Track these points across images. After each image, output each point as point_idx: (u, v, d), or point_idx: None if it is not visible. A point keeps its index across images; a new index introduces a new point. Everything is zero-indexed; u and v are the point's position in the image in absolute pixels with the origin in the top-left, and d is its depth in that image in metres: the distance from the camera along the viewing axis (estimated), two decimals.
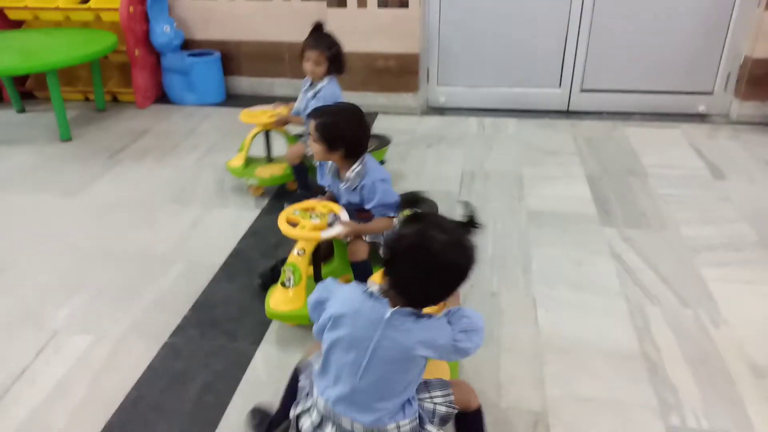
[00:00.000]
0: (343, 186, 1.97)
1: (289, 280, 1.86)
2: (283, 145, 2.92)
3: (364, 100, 3.88)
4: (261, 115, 2.77)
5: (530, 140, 3.45)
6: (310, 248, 1.86)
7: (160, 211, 2.76)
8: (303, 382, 1.36)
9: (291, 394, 1.39)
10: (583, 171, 3.06)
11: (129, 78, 4.03)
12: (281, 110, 2.80)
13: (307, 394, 1.32)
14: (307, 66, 2.56)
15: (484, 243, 2.43)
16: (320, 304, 1.29)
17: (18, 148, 3.43)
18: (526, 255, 2.37)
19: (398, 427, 1.22)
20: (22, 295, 2.17)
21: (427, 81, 3.94)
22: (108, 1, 3.80)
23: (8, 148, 3.42)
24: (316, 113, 1.94)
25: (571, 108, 3.88)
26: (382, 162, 2.90)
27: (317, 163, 2.39)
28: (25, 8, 3.89)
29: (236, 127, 3.66)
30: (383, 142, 2.99)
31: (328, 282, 1.35)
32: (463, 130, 3.62)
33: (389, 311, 1.18)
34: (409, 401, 1.25)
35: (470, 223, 1.21)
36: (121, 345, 1.94)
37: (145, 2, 3.88)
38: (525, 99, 3.89)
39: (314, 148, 1.93)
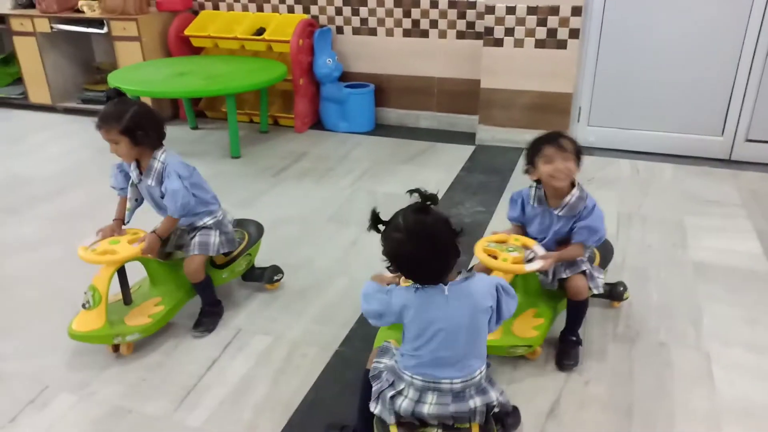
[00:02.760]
0: (557, 211, 1.94)
1: None
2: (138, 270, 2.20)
3: (509, 135, 3.94)
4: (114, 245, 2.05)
5: (689, 188, 3.31)
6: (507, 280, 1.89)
7: (320, 228, 2.95)
8: (379, 384, 1.48)
9: (367, 397, 1.51)
10: (752, 225, 2.88)
11: (290, 104, 4.37)
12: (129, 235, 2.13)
13: (392, 383, 1.45)
14: (113, 150, 2.09)
15: (647, 290, 2.36)
16: (385, 305, 1.44)
17: (194, 161, 3.75)
18: (696, 308, 2.26)
19: (480, 373, 1.44)
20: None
21: (578, 120, 3.91)
22: (280, 34, 4.16)
23: (186, 160, 3.79)
24: (548, 135, 1.92)
25: (734, 157, 3.68)
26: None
27: (512, 196, 2.14)
28: (207, 37, 4.36)
29: (386, 156, 3.86)
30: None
31: (374, 288, 1.50)
32: (615, 171, 3.55)
33: (445, 288, 1.38)
34: (485, 348, 1.46)
35: (429, 199, 1.42)
36: (296, 349, 2.09)
37: (312, 37, 4.21)
38: (683, 144, 3.74)
39: (563, 165, 1.86)
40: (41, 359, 2.05)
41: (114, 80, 3.75)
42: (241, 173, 3.62)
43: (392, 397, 1.44)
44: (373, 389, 1.48)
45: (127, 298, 2.15)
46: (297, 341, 2.13)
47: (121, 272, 2.10)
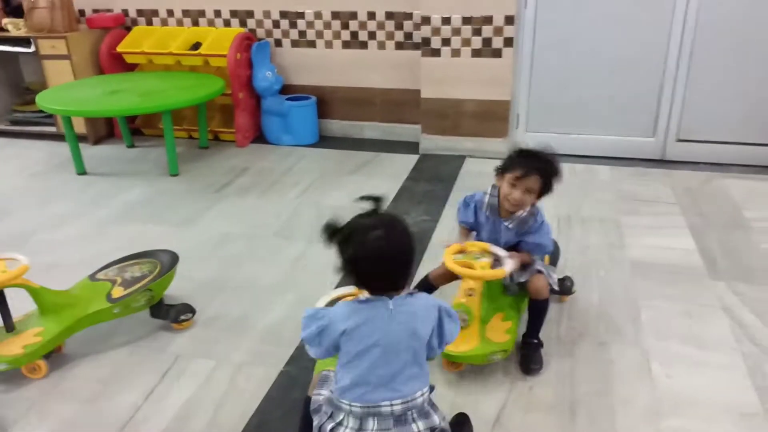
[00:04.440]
0: (508, 223, 1.99)
1: (464, 321, 1.91)
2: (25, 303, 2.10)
3: (451, 144, 3.99)
4: None
5: (625, 188, 3.42)
6: (479, 289, 1.89)
7: (266, 243, 2.89)
8: (318, 417, 1.43)
9: (307, 429, 1.49)
10: (685, 222, 3.00)
11: (230, 118, 4.29)
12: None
13: (330, 415, 1.40)
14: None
15: (588, 290, 2.42)
16: (323, 331, 1.39)
17: (132, 180, 3.69)
18: (634, 306, 2.33)
19: (422, 395, 1.39)
20: (141, 319, 2.30)
21: (516, 127, 3.99)
22: (217, 48, 4.09)
23: (123, 181, 3.69)
24: (535, 159, 1.96)
25: (666, 157, 3.82)
26: None
27: (462, 202, 2.17)
28: (141, 53, 4.24)
29: (331, 167, 3.84)
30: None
31: (313, 311, 1.44)
32: None
33: (390, 302, 1.36)
34: (427, 371, 1.42)
35: (377, 200, 1.42)
36: (240, 370, 2.03)
37: (250, 50, 4.16)
38: (617, 146, 3.87)
39: (524, 200, 1.93)
40: None
41: (43, 100, 3.59)
42: (182, 191, 3.53)
43: (332, 430, 1.38)
44: (314, 424, 1.44)
45: (8, 326, 2.06)
46: (241, 363, 2.07)
47: (1, 297, 2.02)
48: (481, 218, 2.07)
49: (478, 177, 3.24)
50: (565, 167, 3.61)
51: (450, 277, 2.05)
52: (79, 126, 4.11)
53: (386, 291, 1.38)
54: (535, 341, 2.03)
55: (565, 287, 2.34)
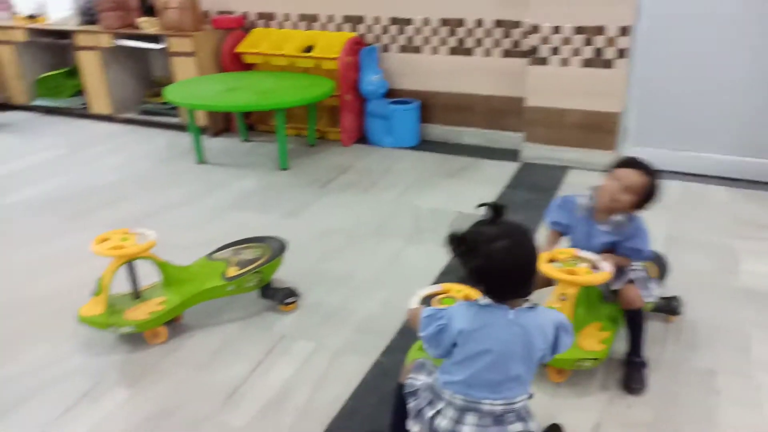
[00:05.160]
0: (603, 227, 1.98)
1: None
2: (154, 274, 2.31)
3: (553, 153, 3.93)
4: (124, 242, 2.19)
5: (742, 211, 3.22)
6: (574, 294, 1.89)
7: (364, 240, 3.00)
8: (416, 401, 1.47)
9: (401, 413, 1.53)
10: None
11: (337, 119, 4.46)
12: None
13: (430, 402, 1.43)
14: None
15: (696, 314, 2.32)
16: (442, 330, 1.40)
17: (245, 172, 3.94)
18: (745, 335, 2.21)
19: (522, 401, 1.40)
20: (251, 298, 2.47)
21: (625, 140, 3.87)
22: (328, 51, 4.27)
23: (237, 171, 3.95)
24: (641, 167, 1.96)
25: None
26: None
27: (555, 202, 2.17)
28: (258, 54, 4.51)
29: (429, 170, 3.90)
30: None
31: (433, 310, 1.46)
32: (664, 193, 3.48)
33: (510, 312, 1.35)
34: (529, 378, 1.43)
35: (497, 210, 1.39)
36: (338, 356, 2.14)
37: (359, 54, 4.31)
38: (737, 167, 3.64)
39: (620, 197, 1.91)
40: (97, 357, 2.16)
41: (170, 94, 3.92)
42: (289, 184, 3.72)
43: (432, 417, 1.42)
44: (411, 406, 1.48)
45: (136, 293, 2.28)
46: (338, 349, 2.18)
47: (131, 268, 2.24)
48: (573, 221, 2.05)
49: (581, 189, 3.18)
50: (678, 186, 3.54)
51: (543, 283, 2.04)
52: (201, 119, 4.44)
53: (508, 299, 1.38)
54: (638, 360, 1.98)
55: (672, 307, 2.26)
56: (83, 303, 2.22)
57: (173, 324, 2.29)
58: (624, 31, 3.56)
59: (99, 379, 2.04)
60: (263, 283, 2.39)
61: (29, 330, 2.32)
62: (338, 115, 4.43)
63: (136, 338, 2.22)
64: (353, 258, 2.83)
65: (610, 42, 3.60)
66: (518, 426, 1.39)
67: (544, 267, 1.88)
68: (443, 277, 2.61)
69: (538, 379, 1.96)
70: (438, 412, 1.42)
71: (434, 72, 4.38)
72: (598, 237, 1.99)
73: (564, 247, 2.03)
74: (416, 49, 4.37)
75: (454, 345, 1.40)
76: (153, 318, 2.18)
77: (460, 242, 1.37)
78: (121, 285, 2.24)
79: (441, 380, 1.43)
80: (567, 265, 1.91)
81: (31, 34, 5.00)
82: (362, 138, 4.53)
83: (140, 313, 2.19)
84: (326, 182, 3.74)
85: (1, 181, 3.80)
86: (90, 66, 4.85)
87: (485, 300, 1.39)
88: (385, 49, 4.46)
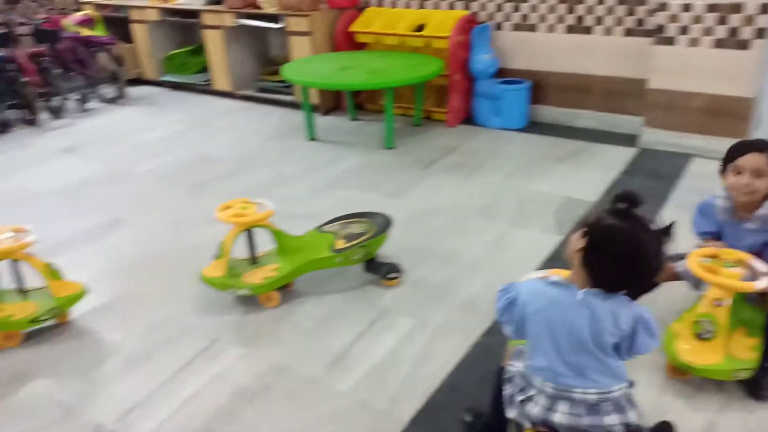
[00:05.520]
0: (749, 224, 1.86)
1: (708, 332, 1.79)
2: (269, 242, 2.47)
3: (676, 140, 3.68)
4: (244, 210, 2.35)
5: None
6: (729, 299, 1.79)
7: (467, 221, 2.99)
8: (511, 387, 1.45)
9: (500, 396, 1.51)
10: None
11: (443, 99, 4.45)
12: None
13: (522, 388, 1.41)
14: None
15: None
16: (511, 304, 1.40)
17: (352, 150, 4.05)
18: None
19: (620, 390, 1.35)
20: (356, 271, 2.55)
21: (758, 128, 3.55)
22: (439, 30, 4.25)
23: (345, 149, 4.06)
24: (754, 143, 1.85)
25: None
26: None
27: (696, 212, 2.04)
28: (371, 33, 4.58)
29: (539, 154, 3.80)
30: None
31: (506, 285, 1.46)
32: None
33: (580, 293, 1.32)
34: (620, 368, 1.37)
35: (666, 232, 1.30)
36: (439, 334, 2.17)
37: (471, 33, 4.25)
38: None
39: (755, 186, 1.79)
40: (215, 316, 2.34)
41: (287, 72, 4.09)
42: (395, 163, 3.78)
43: (522, 402, 1.42)
44: (507, 392, 1.48)
45: (253, 258, 2.44)
46: (439, 327, 2.21)
47: (249, 235, 2.38)
48: (719, 225, 1.93)
49: (706, 179, 2.94)
50: None
51: (666, 277, 1.93)
52: (313, 97, 4.59)
53: (613, 290, 1.33)
54: None
55: None
56: (205, 265, 2.41)
57: (285, 290, 2.42)
58: (766, 8, 3.24)
59: (218, 336, 2.22)
60: (368, 257, 2.47)
61: (158, 287, 2.55)
62: (445, 95, 4.42)
63: (251, 301, 2.38)
64: (456, 239, 2.83)
65: (748, 20, 3.30)
66: (615, 417, 1.34)
67: (691, 260, 1.78)
68: (549, 263, 2.56)
69: (647, 372, 1.89)
70: (529, 398, 1.41)
71: (549, 51, 4.23)
72: (746, 237, 1.86)
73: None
74: (531, 27, 4.24)
75: (523, 322, 1.39)
76: (267, 283, 2.32)
77: (588, 231, 1.32)
78: (239, 250, 2.40)
79: (530, 366, 1.42)
80: (716, 264, 1.78)
81: (162, 14, 5.39)
82: (469, 119, 4.48)
83: (256, 277, 2.34)
84: (430, 163, 3.75)
85: (134, 152, 4.16)
86: (214, 44, 5.16)
87: (556, 277, 1.38)
88: (498, 27, 4.36)
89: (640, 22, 3.84)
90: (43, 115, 4.80)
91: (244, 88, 5.28)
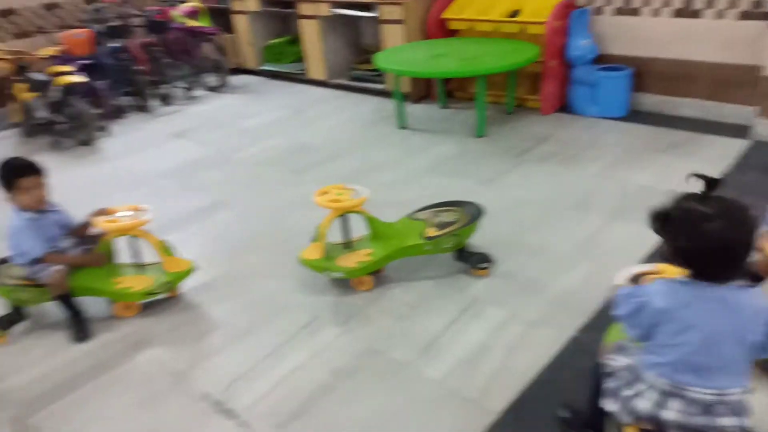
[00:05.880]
0: None
1: None
2: (363, 227, 2.52)
3: None
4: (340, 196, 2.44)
5: None
6: None
7: (561, 213, 2.93)
8: (614, 381, 1.43)
9: (598, 391, 1.48)
10: None
11: (537, 86, 4.34)
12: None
13: (630, 383, 1.38)
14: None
15: None
16: (641, 308, 1.35)
17: (442, 138, 4.05)
18: None
19: (740, 392, 1.30)
20: (445, 259, 2.57)
21: None
22: (535, 15, 4.14)
23: (435, 137, 4.07)
24: None
25: None
26: None
27: None
28: (464, 19, 4.53)
29: (639, 144, 3.64)
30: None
31: (630, 289, 1.42)
32: None
33: (717, 290, 1.28)
34: (747, 370, 1.31)
35: (710, 183, 1.30)
36: (531, 327, 2.16)
37: (568, 18, 4.11)
38: None
39: None
40: (313, 296, 2.45)
41: (379, 60, 4.14)
42: (485, 152, 3.75)
43: (630, 397, 1.39)
44: (609, 386, 1.45)
45: (347, 243, 2.51)
46: (532, 320, 2.19)
47: (345, 220, 2.46)
48: None
49: None
50: None
51: None
52: (404, 85, 4.63)
53: (716, 279, 1.30)
54: None
55: None
56: (303, 247, 2.52)
57: (377, 275, 2.49)
58: None
59: (315, 315, 2.32)
60: (459, 246, 2.48)
61: (259, 266, 2.69)
62: (540, 82, 4.31)
63: (345, 284, 2.46)
64: (550, 230, 2.78)
65: None
66: (731, 420, 1.30)
67: None
68: (652, 259, 2.45)
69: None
70: (638, 394, 1.38)
71: (652, 36, 4.02)
72: None
73: None
74: (634, 12, 4.04)
75: (655, 325, 1.34)
76: (360, 267, 2.40)
77: (665, 220, 1.31)
78: (335, 235, 2.49)
79: (645, 362, 1.38)
80: None
81: (262, 4, 5.60)
82: (564, 107, 4.35)
83: (350, 261, 2.42)
84: (523, 152, 3.69)
85: (236, 137, 4.38)
86: (310, 33, 5.30)
87: (686, 276, 1.33)
88: (598, 11, 4.19)
89: (757, 4, 3.56)
90: (153, 102, 5.15)
91: (338, 77, 5.39)
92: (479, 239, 2.59)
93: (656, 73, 4.09)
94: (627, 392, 1.40)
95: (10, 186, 2.22)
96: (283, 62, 5.87)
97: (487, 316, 2.23)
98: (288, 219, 3.09)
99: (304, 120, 4.68)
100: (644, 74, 4.12)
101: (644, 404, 1.36)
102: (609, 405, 1.44)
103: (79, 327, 2.31)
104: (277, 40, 5.91)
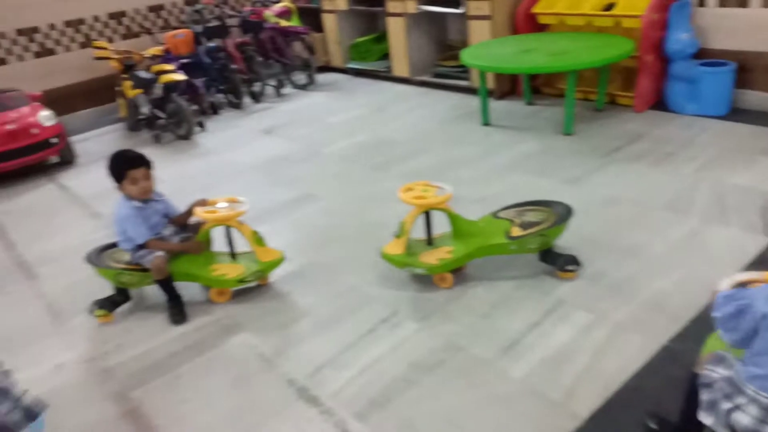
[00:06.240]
0: None
1: None
2: (445, 224, 2.52)
3: None
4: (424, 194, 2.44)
5: None
6: None
7: (654, 214, 2.80)
8: (711, 393, 1.36)
9: (693, 403, 1.41)
10: None
11: (631, 82, 4.16)
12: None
13: (728, 396, 1.31)
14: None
15: None
16: (742, 311, 1.29)
17: (527, 135, 3.98)
18: None
19: None
20: (529, 260, 2.52)
21: None
22: (631, 8, 3.96)
23: (519, 134, 4.00)
24: None
25: None
26: None
27: None
28: (554, 14, 4.41)
29: (741, 144, 3.41)
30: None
31: (731, 291, 1.35)
32: None
33: None
34: None
35: None
36: (620, 332, 2.08)
37: (668, 10, 3.90)
38: None
39: None
40: (393, 290, 2.48)
41: (466, 56, 4.11)
42: (572, 150, 3.64)
43: (729, 411, 1.32)
44: (705, 398, 1.39)
45: (429, 240, 2.52)
46: (621, 325, 2.12)
47: (428, 216, 2.47)
48: None
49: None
50: None
51: None
52: (488, 81, 4.57)
53: None
54: None
55: None
56: (384, 241, 2.56)
57: (458, 272, 2.49)
58: None
59: (395, 309, 2.36)
60: (545, 247, 2.43)
61: (343, 258, 2.77)
62: (633, 77, 4.12)
63: (425, 280, 2.48)
64: (641, 232, 2.67)
65: None
66: None
67: None
68: (755, 266, 2.30)
69: None
70: (737, 407, 1.31)
71: (762, 29, 3.74)
72: None
73: None
74: (742, 3, 3.77)
75: (755, 332, 1.27)
76: (442, 264, 2.41)
77: None
78: (417, 231, 2.51)
79: (745, 373, 1.31)
80: None
81: (350, 3, 5.71)
82: (659, 104, 4.15)
83: (431, 258, 2.43)
84: (613, 150, 3.55)
85: (323, 133, 4.50)
86: (396, 31, 5.35)
87: None
88: (701, 3, 3.96)
89: None
90: (246, 99, 5.38)
91: (421, 74, 5.41)
92: (564, 239, 2.52)
93: (763, 69, 3.80)
94: (725, 405, 1.33)
95: (120, 176, 2.41)
96: (368, 60, 5.96)
97: (573, 319, 2.18)
98: (370, 213, 3.15)
99: (388, 116, 4.73)
100: (750, 70, 3.85)
101: (745, 419, 1.28)
102: (705, 418, 1.37)
103: (177, 310, 2.47)
104: (363, 39, 6.01)
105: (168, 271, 2.43)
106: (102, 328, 2.47)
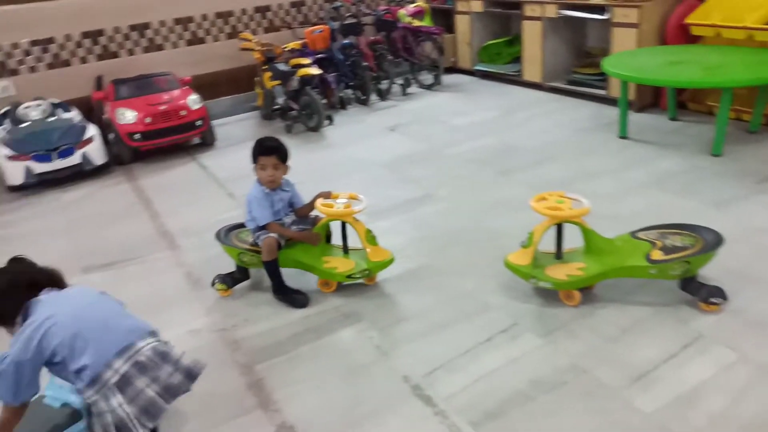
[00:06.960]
0: None
1: None
2: (577, 238, 2.37)
3: None
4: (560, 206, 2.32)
5: None
6: None
7: None
8: None
9: None
10: None
11: None
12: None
13: None
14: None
15: None
16: None
17: (668, 152, 3.72)
18: None
19: None
20: (668, 286, 2.35)
21: None
22: None
23: (660, 150, 3.75)
24: None
25: None
26: None
27: None
28: (710, 25, 4.08)
29: None
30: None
31: None
32: None
33: None
34: None
35: None
36: (765, 372, 1.89)
37: None
38: None
39: None
40: (515, 301, 2.42)
41: (608, 65, 3.92)
42: (719, 172, 3.35)
43: None
44: None
45: (558, 253, 2.42)
46: (765, 367, 1.92)
47: (559, 229, 2.37)
48: None
49: None
50: None
51: None
52: (629, 92, 4.32)
53: None
54: None
55: None
56: (506, 248, 2.50)
57: (586, 291, 2.37)
58: None
59: (516, 320, 2.29)
60: (688, 275, 2.25)
61: (460, 263, 2.73)
62: None
63: (550, 294, 2.39)
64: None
65: None
66: None
67: None
68: None
69: None
70: None
71: None
72: None
73: None
74: None
75: None
76: (570, 281, 2.30)
77: None
78: (545, 243, 2.42)
79: None
80: None
81: (485, 5, 5.64)
82: None
83: (560, 273, 2.34)
84: (766, 177, 3.22)
85: (447, 134, 4.49)
86: (531, 35, 5.21)
87: None
88: None
89: None
90: (372, 96, 5.49)
91: (554, 80, 5.23)
92: (708, 269, 2.32)
93: None
94: None
95: (254, 159, 2.55)
96: (498, 63, 5.86)
97: (713, 355, 2.00)
98: (493, 219, 3.09)
99: (516, 121, 4.63)
100: None
101: None
102: None
103: (283, 294, 2.56)
104: (495, 41, 5.91)
105: (276, 253, 2.52)
106: (231, 302, 2.63)
